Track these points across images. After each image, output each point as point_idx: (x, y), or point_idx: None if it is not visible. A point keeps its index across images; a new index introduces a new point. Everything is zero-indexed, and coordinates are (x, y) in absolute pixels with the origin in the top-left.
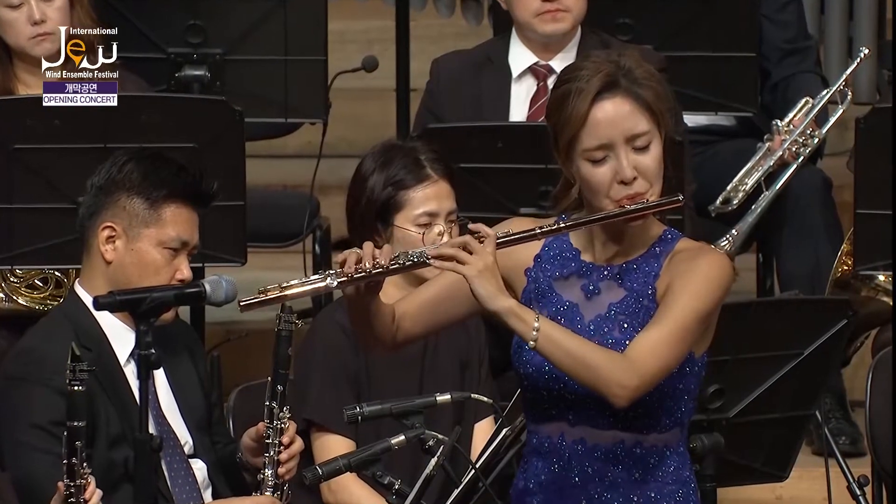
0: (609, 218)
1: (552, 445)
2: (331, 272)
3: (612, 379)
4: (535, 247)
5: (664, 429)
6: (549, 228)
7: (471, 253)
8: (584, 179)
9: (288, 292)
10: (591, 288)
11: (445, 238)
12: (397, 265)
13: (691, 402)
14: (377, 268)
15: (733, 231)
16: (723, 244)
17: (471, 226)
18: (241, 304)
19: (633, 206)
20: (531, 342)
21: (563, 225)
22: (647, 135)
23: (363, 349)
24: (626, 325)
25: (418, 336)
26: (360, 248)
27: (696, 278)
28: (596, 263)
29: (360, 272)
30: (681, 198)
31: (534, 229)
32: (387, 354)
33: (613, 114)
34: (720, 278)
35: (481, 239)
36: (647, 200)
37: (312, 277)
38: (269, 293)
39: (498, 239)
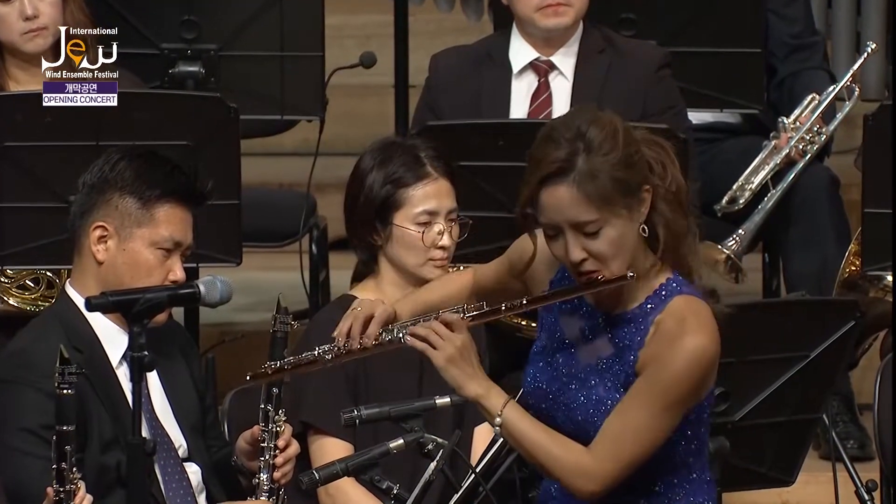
0: (565, 295)
1: None
2: (326, 348)
3: (571, 484)
4: (552, 271)
5: (675, 466)
6: (512, 305)
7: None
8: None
9: (285, 368)
10: (587, 333)
11: (445, 237)
12: (377, 344)
13: (700, 431)
14: (363, 349)
15: (740, 231)
16: (730, 244)
17: (441, 315)
18: (248, 378)
19: (583, 283)
20: (496, 428)
21: (524, 302)
22: (596, 222)
23: None
24: (608, 384)
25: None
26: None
27: (669, 374)
28: (595, 308)
29: (348, 354)
30: (630, 275)
31: (500, 307)
32: None
33: (557, 201)
34: (695, 368)
35: (450, 323)
36: (601, 276)
37: (307, 355)
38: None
39: (466, 319)
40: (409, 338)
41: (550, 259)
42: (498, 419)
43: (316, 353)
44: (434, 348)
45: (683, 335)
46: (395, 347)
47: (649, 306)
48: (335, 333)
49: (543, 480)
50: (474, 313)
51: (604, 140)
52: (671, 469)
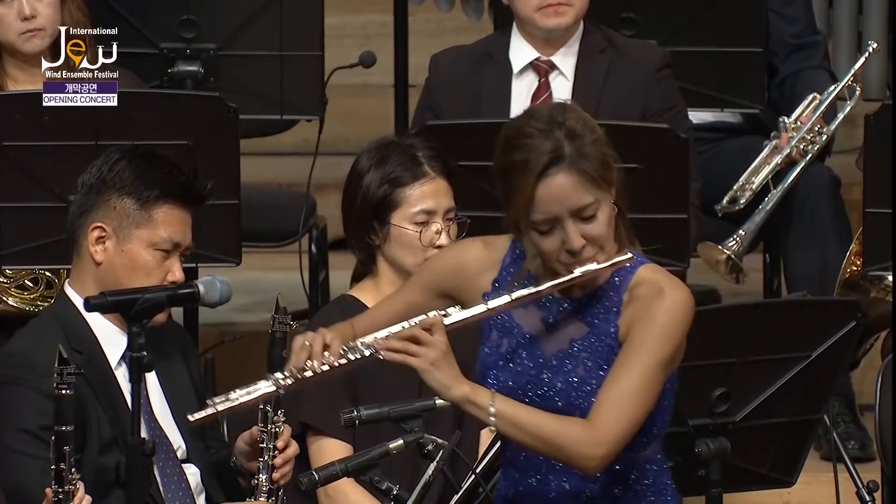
0: (561, 285)
1: (528, 458)
2: (279, 376)
3: (579, 454)
4: (494, 271)
5: (642, 447)
6: (498, 303)
7: (420, 344)
8: (534, 245)
9: (236, 403)
10: (550, 321)
11: (443, 237)
12: (346, 361)
13: (666, 416)
14: (325, 365)
15: (741, 231)
16: (731, 244)
17: (420, 320)
18: (191, 420)
19: (581, 271)
20: (491, 427)
21: (514, 297)
22: (594, 204)
23: None
24: (589, 364)
25: None
26: (308, 342)
27: (656, 328)
28: (556, 295)
29: (308, 370)
30: (630, 255)
31: (483, 307)
32: None
33: (557, 191)
34: (681, 321)
35: (429, 327)
36: (598, 261)
37: (260, 384)
38: (217, 406)
39: (447, 325)
40: (384, 353)
41: (487, 263)
42: (492, 409)
43: (271, 380)
44: (414, 356)
45: (663, 292)
46: (362, 364)
47: (616, 280)
48: (291, 365)
49: (502, 480)
50: (457, 316)
51: (580, 124)
52: (647, 443)
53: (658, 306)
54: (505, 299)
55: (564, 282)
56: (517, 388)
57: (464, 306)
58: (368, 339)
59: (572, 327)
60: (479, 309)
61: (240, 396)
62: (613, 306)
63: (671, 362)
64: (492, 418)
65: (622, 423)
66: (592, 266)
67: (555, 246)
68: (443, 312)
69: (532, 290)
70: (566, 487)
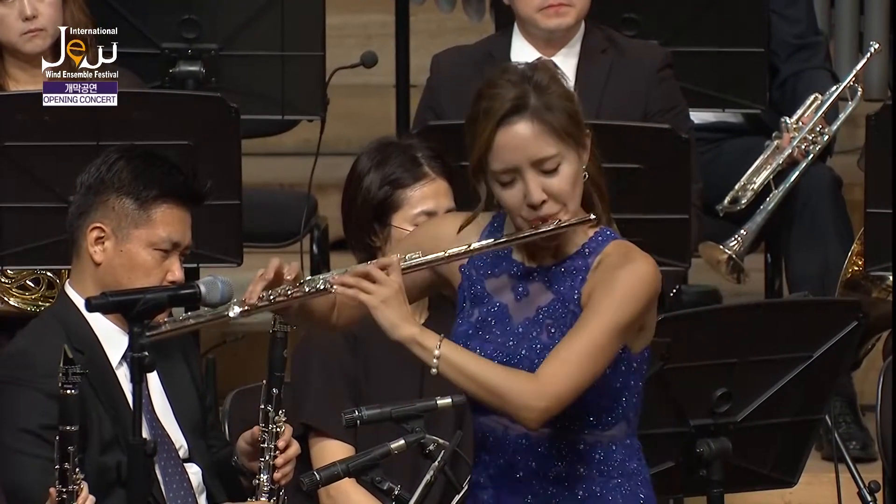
0: (521, 240)
1: (496, 440)
2: (234, 301)
3: (519, 403)
4: (471, 239)
5: (607, 425)
6: (455, 251)
7: (374, 282)
8: (499, 199)
9: (186, 323)
10: (520, 289)
11: None
12: (300, 293)
13: (634, 396)
14: (280, 296)
15: (742, 231)
16: (732, 244)
17: (376, 262)
18: (148, 335)
19: (543, 229)
20: (433, 369)
21: (469, 248)
22: (556, 157)
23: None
24: (553, 330)
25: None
26: (264, 272)
27: (615, 292)
28: (526, 265)
29: (264, 301)
30: (593, 217)
31: (442, 253)
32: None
33: (517, 139)
34: (641, 288)
35: (386, 267)
36: (560, 220)
37: (218, 309)
38: (167, 325)
39: (404, 264)
40: (337, 287)
41: (465, 235)
42: (436, 352)
43: (228, 310)
44: (366, 293)
45: (630, 261)
46: (315, 296)
47: (587, 251)
48: (245, 297)
49: (475, 467)
50: (415, 260)
51: (549, 80)
52: (613, 422)
53: (619, 273)
54: (462, 248)
55: (524, 237)
56: (496, 359)
57: (442, 280)
58: (326, 274)
59: (540, 296)
60: (438, 255)
61: (189, 318)
62: (580, 274)
63: (627, 329)
64: (435, 360)
65: (567, 380)
66: (553, 226)
67: (516, 200)
68: (402, 256)
69: (490, 241)
70: (532, 466)
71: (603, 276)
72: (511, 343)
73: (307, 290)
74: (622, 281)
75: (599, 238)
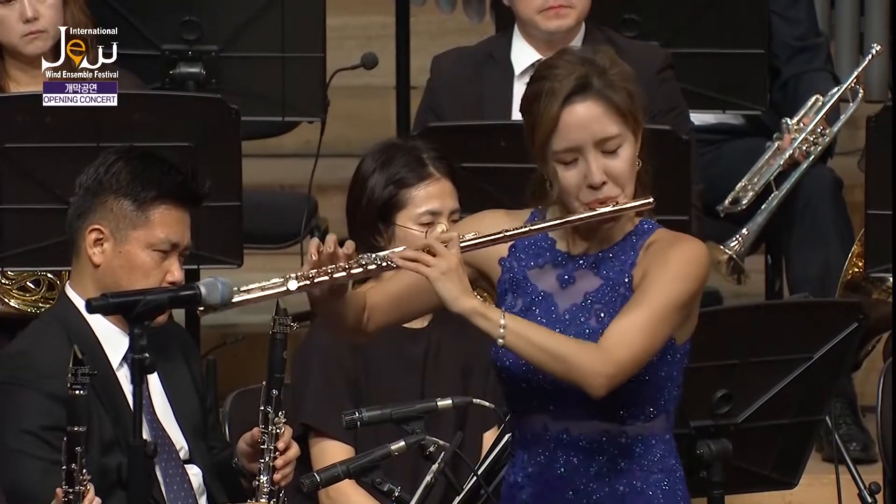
0: (577, 221)
1: (535, 437)
2: (291, 275)
3: (586, 369)
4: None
5: (648, 417)
6: (514, 232)
7: (434, 255)
8: (556, 180)
9: (248, 297)
10: (566, 277)
11: None
12: (360, 268)
13: (675, 389)
14: (339, 270)
15: (743, 231)
16: (732, 244)
17: (437, 231)
18: (200, 311)
19: (601, 210)
20: (500, 340)
21: (530, 227)
22: (618, 138)
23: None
24: (602, 315)
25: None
26: (321, 246)
27: (673, 265)
28: (571, 253)
29: (323, 275)
30: (652, 200)
31: (501, 232)
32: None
33: (583, 117)
34: (697, 265)
35: (446, 242)
36: (617, 203)
37: (273, 281)
38: (238, 293)
39: (462, 242)
40: (399, 260)
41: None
42: (502, 321)
43: (286, 284)
44: (426, 266)
45: (682, 241)
46: (376, 272)
47: (633, 238)
48: (307, 268)
49: (510, 468)
50: (472, 239)
51: (610, 62)
52: (654, 415)
53: (672, 252)
54: (523, 228)
55: (584, 217)
56: None
57: (480, 274)
58: (384, 252)
59: (586, 282)
60: (496, 234)
61: (252, 291)
62: (629, 259)
63: (683, 307)
64: (501, 329)
65: (631, 349)
66: (612, 207)
67: (576, 180)
68: (461, 234)
69: (551, 222)
70: (574, 462)
71: (656, 257)
72: (558, 329)
73: (366, 264)
74: (676, 258)
75: (645, 226)
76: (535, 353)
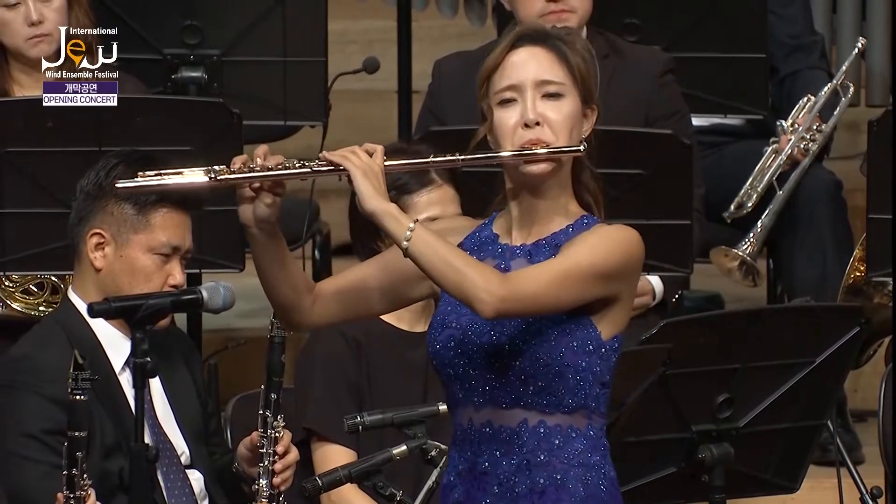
0: (511, 159)
1: (463, 433)
2: (215, 167)
3: (479, 284)
4: (459, 237)
5: (568, 409)
6: (440, 159)
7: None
8: (494, 126)
9: (166, 181)
10: (502, 267)
11: None
12: (282, 168)
13: (598, 386)
14: (263, 169)
15: (753, 231)
16: (744, 247)
17: (364, 145)
18: (118, 185)
19: (532, 150)
20: (404, 242)
21: (458, 157)
22: (560, 86)
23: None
24: None
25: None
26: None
27: (597, 237)
28: (511, 244)
29: (246, 170)
30: (582, 148)
31: (427, 159)
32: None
33: (527, 57)
34: (623, 243)
35: (371, 151)
36: (549, 146)
37: (196, 170)
38: (147, 177)
39: (386, 159)
40: (322, 155)
41: (459, 229)
42: (411, 224)
43: (208, 174)
44: (349, 161)
45: (614, 225)
46: (300, 173)
47: (571, 229)
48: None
49: (443, 476)
50: (398, 161)
51: (574, 38)
52: (573, 406)
53: (601, 229)
54: (451, 158)
55: (514, 154)
56: (468, 330)
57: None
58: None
59: (520, 268)
60: (420, 161)
61: (170, 175)
62: (560, 244)
63: (604, 277)
64: (408, 232)
65: (533, 284)
66: (543, 150)
67: (512, 120)
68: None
69: (481, 154)
70: (496, 455)
71: (584, 234)
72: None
73: (288, 165)
74: (603, 233)
75: (586, 221)
76: (435, 261)
